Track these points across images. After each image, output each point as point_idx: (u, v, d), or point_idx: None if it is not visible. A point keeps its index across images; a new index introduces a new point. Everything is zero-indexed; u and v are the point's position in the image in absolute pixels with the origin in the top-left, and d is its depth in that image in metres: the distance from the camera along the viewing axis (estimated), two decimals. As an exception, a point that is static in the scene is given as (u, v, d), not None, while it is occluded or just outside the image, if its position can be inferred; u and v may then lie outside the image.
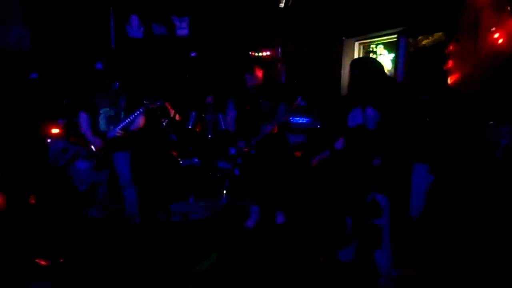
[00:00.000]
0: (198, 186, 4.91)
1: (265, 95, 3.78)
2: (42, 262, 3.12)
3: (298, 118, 5.47)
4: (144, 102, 3.62)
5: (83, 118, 3.67)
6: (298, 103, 3.71)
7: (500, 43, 3.34)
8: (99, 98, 3.61)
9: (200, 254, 3.40)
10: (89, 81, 3.74)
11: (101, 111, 3.61)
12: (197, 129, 5.30)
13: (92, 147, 3.66)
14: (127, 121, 3.57)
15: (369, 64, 2.87)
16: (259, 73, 3.77)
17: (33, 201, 4.31)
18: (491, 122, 2.98)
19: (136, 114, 3.55)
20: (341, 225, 3.06)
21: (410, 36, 4.55)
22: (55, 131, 4.74)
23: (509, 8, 3.17)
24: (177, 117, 5.02)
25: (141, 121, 3.68)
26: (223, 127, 5.33)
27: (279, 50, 6.35)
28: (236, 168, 3.92)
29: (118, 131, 3.56)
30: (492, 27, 3.39)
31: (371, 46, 5.36)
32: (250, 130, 3.78)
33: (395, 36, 4.76)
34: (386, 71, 3.08)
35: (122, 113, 3.63)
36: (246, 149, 3.78)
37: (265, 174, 3.84)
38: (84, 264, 3.17)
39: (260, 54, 6.13)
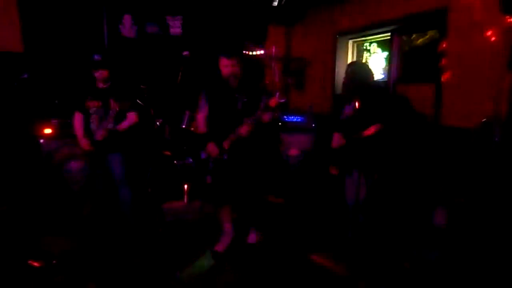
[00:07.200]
0: (192, 186, 4.89)
1: (243, 90, 3.23)
2: (35, 264, 3.10)
3: (292, 117, 5.47)
4: (137, 101, 3.59)
5: (78, 118, 3.64)
6: (277, 100, 3.08)
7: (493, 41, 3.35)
8: (90, 97, 3.57)
9: (193, 254, 3.39)
10: (82, 81, 3.69)
11: (91, 111, 3.57)
12: (191, 129, 5.27)
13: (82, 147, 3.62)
14: (117, 122, 3.52)
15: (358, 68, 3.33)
16: (237, 62, 3.19)
17: (25, 202, 4.27)
18: (484, 119, 2.98)
19: (127, 114, 3.51)
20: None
21: (403, 34, 4.55)
22: (47, 131, 4.70)
23: (501, 5, 3.16)
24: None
25: (133, 120, 3.63)
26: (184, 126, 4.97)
27: (273, 49, 6.34)
28: (207, 175, 3.31)
29: (106, 128, 3.48)
30: (484, 25, 3.40)
31: (365, 44, 5.36)
32: (222, 131, 3.23)
33: (389, 34, 4.76)
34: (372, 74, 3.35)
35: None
36: (217, 154, 3.24)
37: (240, 182, 3.27)
38: (78, 264, 3.15)
39: (254, 53, 6.11)
